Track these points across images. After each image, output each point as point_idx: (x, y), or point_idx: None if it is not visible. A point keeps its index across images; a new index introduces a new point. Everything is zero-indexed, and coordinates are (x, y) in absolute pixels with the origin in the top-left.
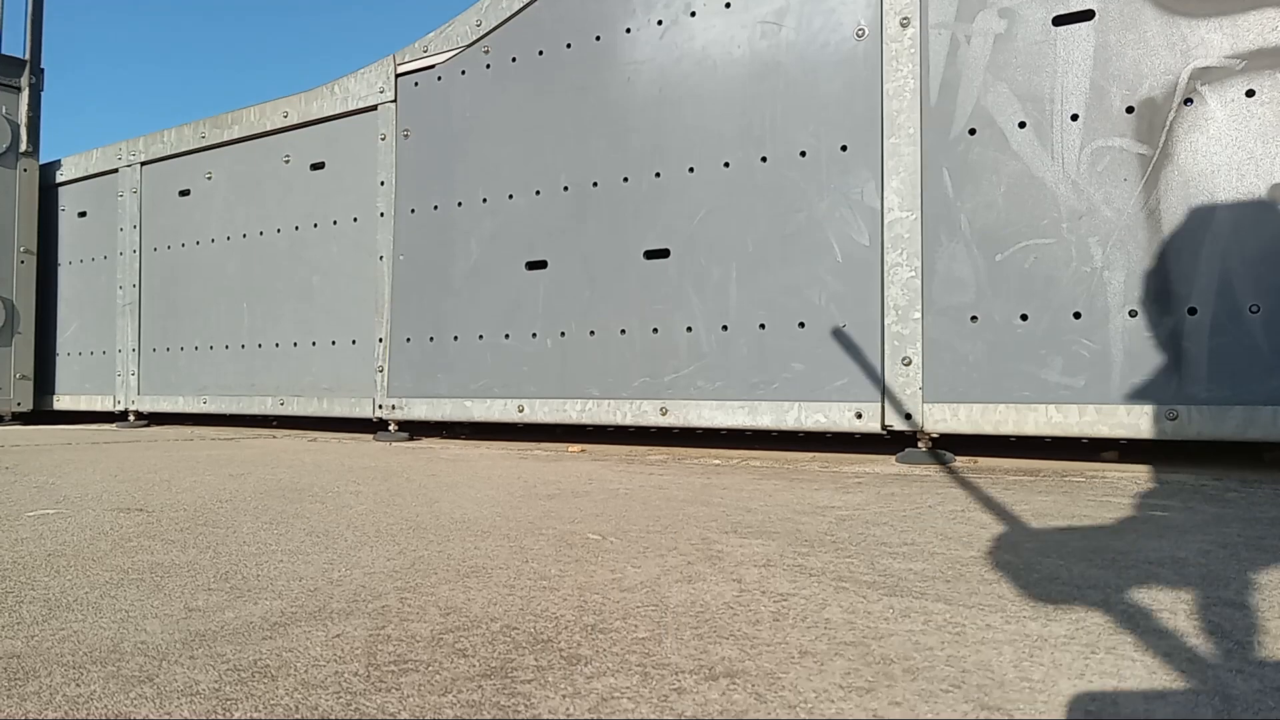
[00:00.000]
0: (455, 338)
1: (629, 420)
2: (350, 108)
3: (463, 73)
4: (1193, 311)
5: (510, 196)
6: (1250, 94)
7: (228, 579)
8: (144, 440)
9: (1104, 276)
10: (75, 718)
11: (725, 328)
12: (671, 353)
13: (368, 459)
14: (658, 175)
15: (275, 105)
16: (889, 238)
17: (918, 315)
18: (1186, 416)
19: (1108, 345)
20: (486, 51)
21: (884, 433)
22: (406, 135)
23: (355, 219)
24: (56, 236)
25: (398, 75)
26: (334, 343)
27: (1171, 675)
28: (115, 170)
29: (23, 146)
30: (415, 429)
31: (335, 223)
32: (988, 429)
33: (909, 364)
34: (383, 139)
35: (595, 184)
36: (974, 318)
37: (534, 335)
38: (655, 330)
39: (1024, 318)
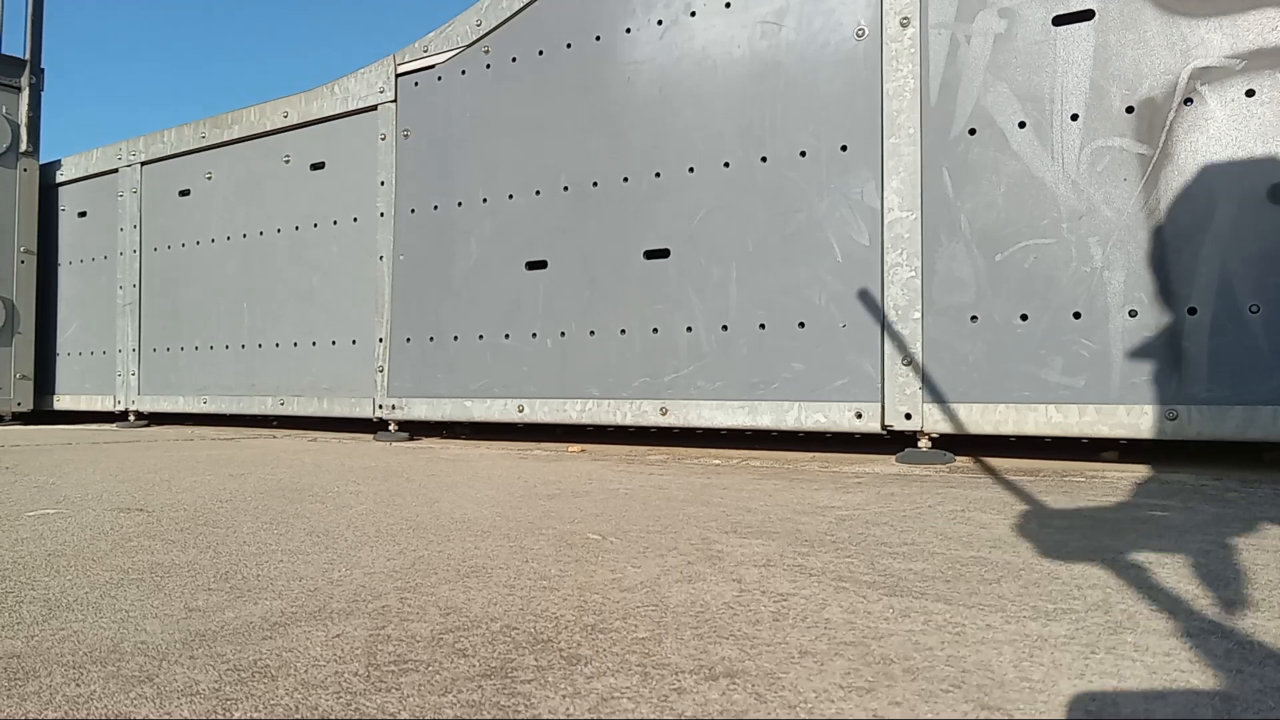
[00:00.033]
0: (455, 338)
1: (629, 420)
2: (350, 108)
3: (463, 73)
4: (1193, 311)
5: (510, 196)
6: (1250, 94)
7: (228, 579)
8: (144, 440)
9: (1104, 276)
10: (75, 718)
11: (725, 328)
12: (671, 353)
13: (368, 459)
14: (658, 175)
15: (275, 105)
16: (889, 238)
17: (918, 315)
18: (1186, 416)
19: (1108, 345)
20: (487, 51)
21: (884, 433)
22: (406, 135)
23: (355, 219)
24: (57, 236)
25: (398, 75)
26: (334, 343)
27: (1171, 675)
28: (115, 170)
29: (23, 146)
30: (415, 429)
31: (335, 223)
32: (988, 429)
33: (909, 364)
34: (383, 139)
35: (595, 184)
36: (974, 318)
37: (534, 335)
38: (655, 330)
39: (1024, 318)
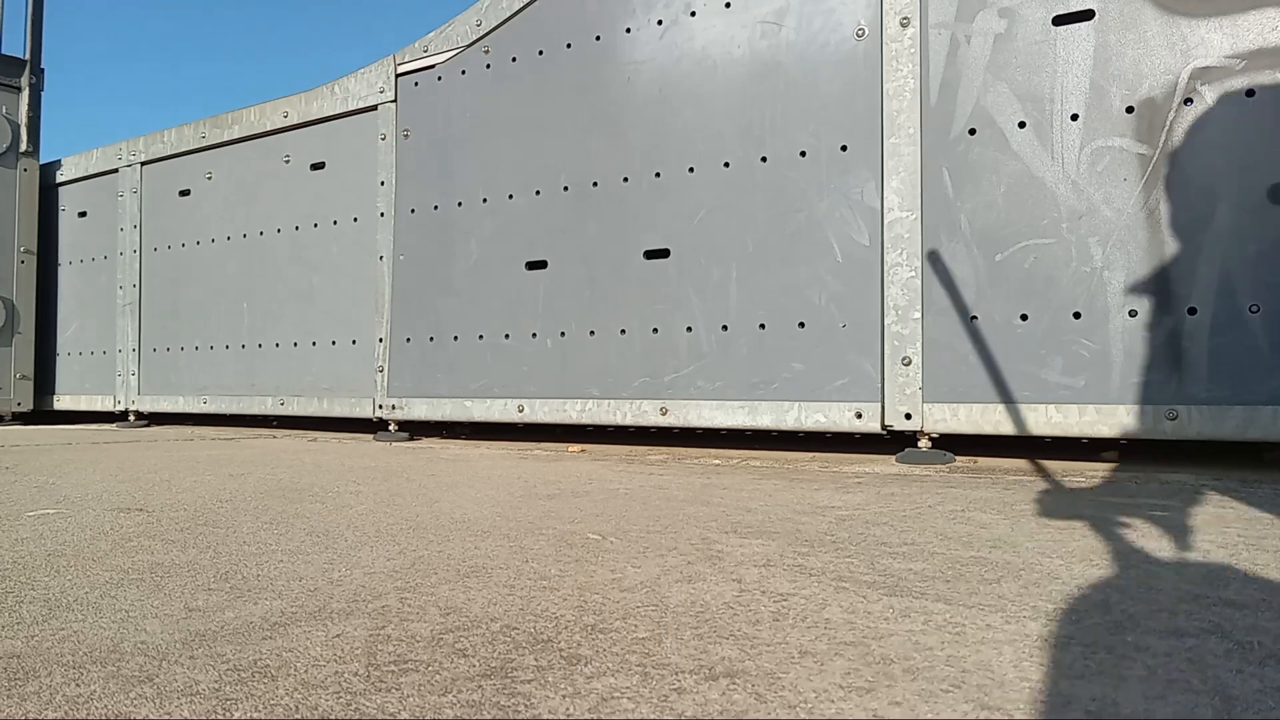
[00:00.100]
0: (455, 338)
1: (629, 420)
2: (350, 108)
3: (463, 73)
4: (1193, 311)
5: (510, 196)
6: (1250, 94)
7: (228, 579)
8: (144, 440)
9: (1104, 276)
10: (75, 718)
11: (725, 328)
12: (671, 353)
13: (368, 459)
14: (658, 175)
15: (275, 105)
16: (889, 238)
17: (918, 315)
18: (1186, 416)
19: (1108, 345)
20: (486, 51)
21: (884, 433)
22: (406, 135)
23: (355, 219)
24: (57, 236)
25: (398, 75)
26: (334, 343)
27: (1171, 675)
28: (115, 170)
29: (23, 146)
30: (415, 429)
31: (335, 223)
32: (988, 429)
33: (909, 364)
34: (383, 139)
35: (595, 184)
36: (974, 318)
37: (534, 335)
38: (655, 330)
39: (1024, 318)
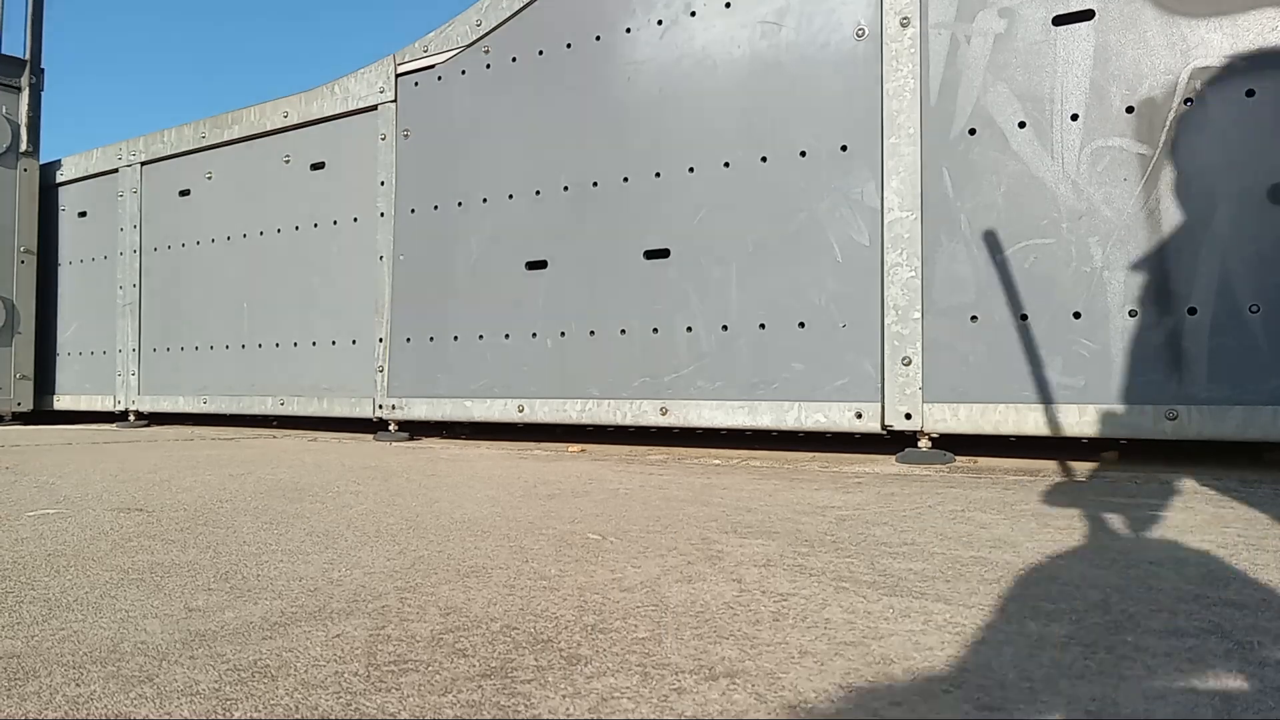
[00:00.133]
0: (455, 338)
1: (629, 420)
2: (350, 108)
3: (463, 73)
4: (1193, 311)
5: (510, 196)
6: (1250, 94)
7: (228, 579)
8: (144, 440)
9: (1104, 276)
10: (75, 718)
11: (725, 328)
12: (671, 353)
13: (368, 459)
14: (658, 175)
15: (275, 105)
16: (889, 238)
17: (917, 315)
18: (1186, 416)
19: (1108, 345)
20: (486, 51)
21: (884, 433)
22: (407, 135)
23: (355, 219)
24: (57, 236)
25: (398, 75)
26: (334, 343)
27: (1171, 675)
28: (115, 170)
29: (23, 146)
30: (415, 429)
31: (335, 223)
32: (988, 429)
33: (909, 364)
34: (383, 139)
35: (595, 184)
36: (974, 318)
37: (534, 335)
38: (655, 330)
39: (1024, 318)
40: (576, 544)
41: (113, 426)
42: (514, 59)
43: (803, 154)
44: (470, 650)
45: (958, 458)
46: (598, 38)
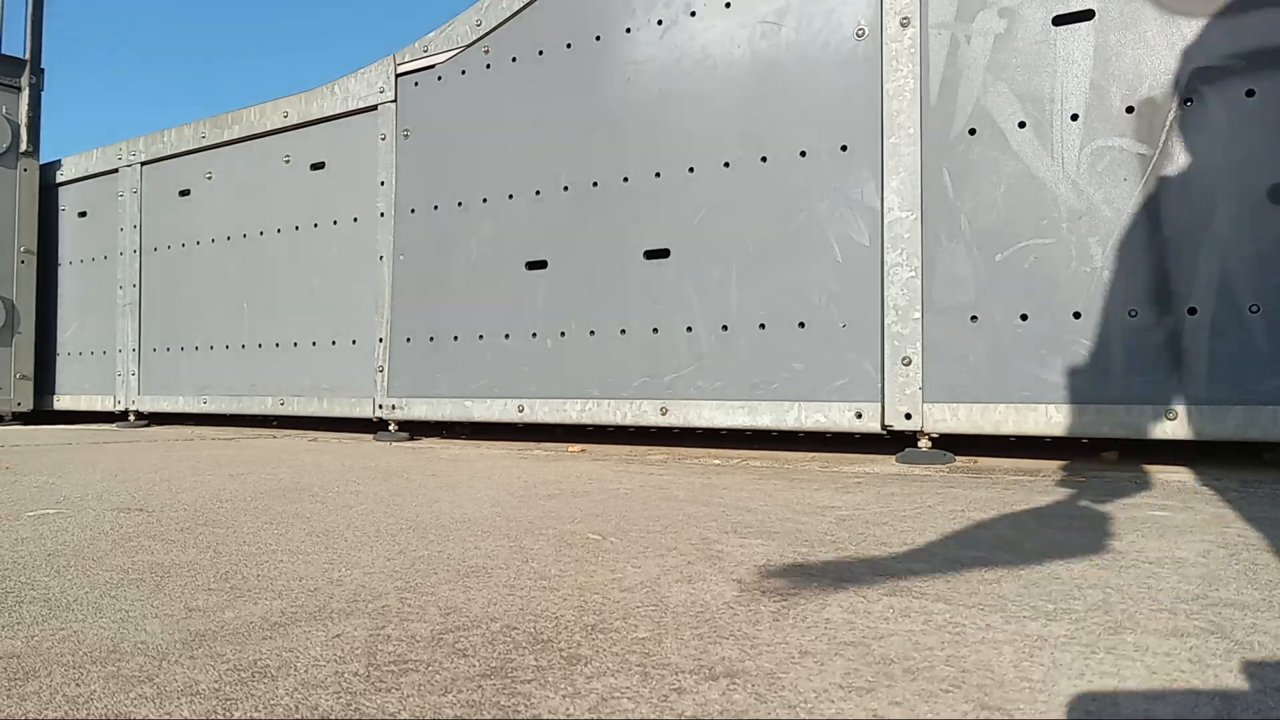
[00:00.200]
0: (455, 338)
1: (629, 420)
2: (350, 108)
3: (463, 72)
4: (1193, 311)
5: (510, 196)
6: (1250, 94)
7: (228, 579)
8: (144, 440)
9: (1104, 276)
10: (75, 718)
11: (725, 328)
12: (671, 353)
13: (368, 459)
14: (658, 175)
15: (275, 105)
16: (889, 238)
17: (917, 315)
18: (1186, 416)
19: (1108, 345)
20: (487, 51)
21: (884, 433)
22: (407, 135)
23: (355, 219)
24: (57, 236)
25: (398, 75)
26: (334, 343)
27: (1171, 675)
28: (115, 170)
29: (23, 146)
30: (415, 429)
31: (335, 223)
32: (988, 429)
33: (909, 364)
34: (383, 139)
35: (595, 184)
36: (974, 318)
37: (534, 335)
38: (655, 330)
39: (1024, 318)
40: (576, 544)
41: (113, 426)
42: (514, 59)
43: (803, 154)
44: (470, 650)
45: (958, 458)
46: (598, 38)
